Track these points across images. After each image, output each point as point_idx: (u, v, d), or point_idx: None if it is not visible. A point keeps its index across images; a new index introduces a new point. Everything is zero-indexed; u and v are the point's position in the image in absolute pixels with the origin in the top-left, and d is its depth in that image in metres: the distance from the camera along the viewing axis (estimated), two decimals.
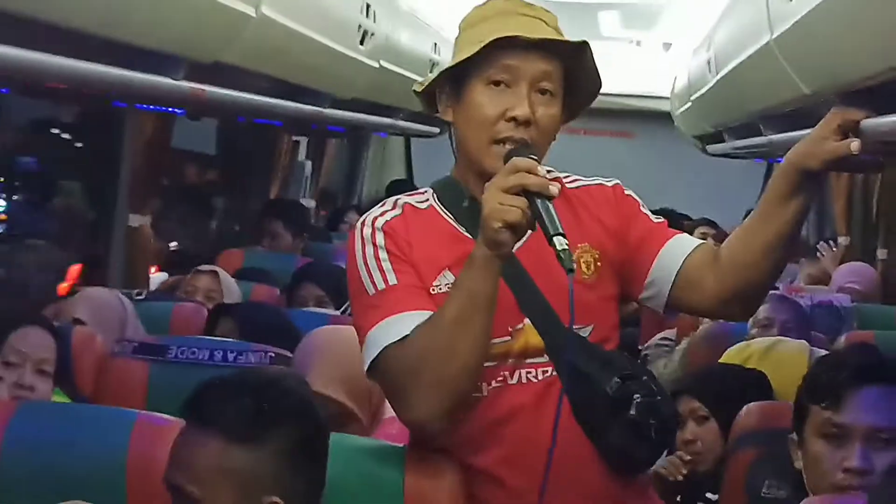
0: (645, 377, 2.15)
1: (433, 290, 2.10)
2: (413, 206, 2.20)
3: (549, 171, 2.24)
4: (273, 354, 3.14)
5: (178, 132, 5.20)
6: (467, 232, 2.14)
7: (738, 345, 3.47)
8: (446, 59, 7.45)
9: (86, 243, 4.79)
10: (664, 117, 8.85)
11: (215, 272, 4.40)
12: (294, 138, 7.20)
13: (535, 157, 2.00)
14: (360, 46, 4.86)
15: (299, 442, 1.90)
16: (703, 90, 5.76)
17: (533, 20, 2.13)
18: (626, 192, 2.28)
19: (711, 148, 7.53)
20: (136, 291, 4.06)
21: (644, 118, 9.85)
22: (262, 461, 1.86)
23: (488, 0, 2.20)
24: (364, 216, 2.19)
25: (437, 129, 8.54)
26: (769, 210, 2.12)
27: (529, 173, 1.93)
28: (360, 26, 4.76)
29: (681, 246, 2.21)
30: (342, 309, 4.36)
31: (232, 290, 4.37)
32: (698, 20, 6.30)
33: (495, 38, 2.06)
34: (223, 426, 1.85)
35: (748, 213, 7.66)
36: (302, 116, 4.73)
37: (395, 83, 5.77)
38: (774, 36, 3.11)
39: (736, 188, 9.55)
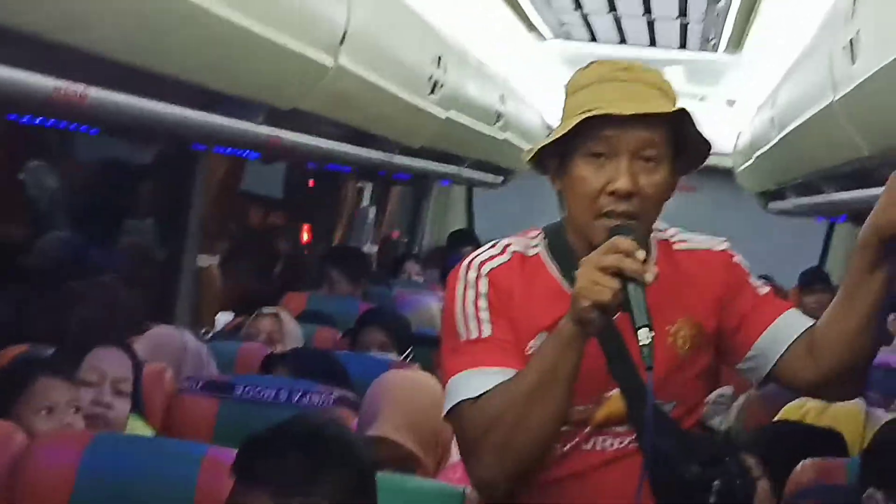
0: (728, 458, 2.10)
1: (528, 349, 2.04)
2: (522, 254, 2.14)
3: (661, 230, 2.19)
4: (336, 395, 3.20)
5: (247, 176, 5.30)
6: (571, 289, 2.03)
7: (794, 402, 3.47)
8: (511, 109, 7.54)
9: (156, 282, 4.88)
10: (726, 173, 8.87)
11: (277, 314, 4.47)
12: (359, 185, 7.30)
13: (637, 237, 1.95)
14: (431, 96, 4.94)
15: (347, 488, 1.90)
16: (766, 147, 5.78)
17: (632, 85, 2.06)
18: (735, 260, 2.20)
19: (773, 205, 7.53)
20: (203, 330, 4.14)
21: (707, 173, 9.82)
22: None
23: (590, 64, 2.14)
24: (471, 257, 2.14)
25: (500, 178, 8.61)
26: (855, 288, 2.07)
27: (627, 256, 1.89)
28: (430, 77, 4.84)
29: (790, 325, 2.15)
30: (405, 355, 4.42)
31: (293, 333, 4.42)
32: (762, 78, 6.34)
33: (589, 115, 2.00)
34: (270, 483, 1.85)
35: (806, 271, 7.57)
36: (372, 163, 4.81)
37: (461, 132, 5.85)
38: (837, 97, 3.15)
39: (796, 246, 9.53)
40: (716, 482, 2.05)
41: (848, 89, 2.95)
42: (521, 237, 2.18)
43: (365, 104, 4.15)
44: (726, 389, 4.69)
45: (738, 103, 8.47)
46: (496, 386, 1.99)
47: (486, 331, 2.05)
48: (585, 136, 2.03)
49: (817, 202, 5.04)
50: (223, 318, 5.20)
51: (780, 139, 4.98)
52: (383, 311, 4.75)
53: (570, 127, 2.03)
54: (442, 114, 5.27)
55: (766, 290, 2.21)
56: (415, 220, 9.46)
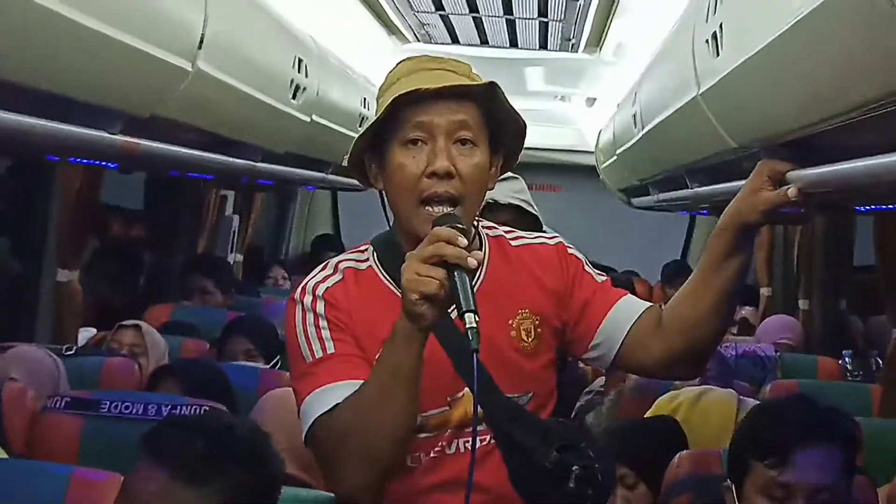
0: (583, 444, 2.12)
1: (376, 361, 2.04)
2: (354, 269, 2.16)
3: (490, 228, 2.25)
4: (207, 408, 3.12)
5: (107, 186, 5.17)
6: None
7: (666, 395, 3.52)
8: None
9: (11, 298, 4.72)
10: (590, 171, 8.97)
11: (139, 327, 4.37)
12: (222, 192, 7.18)
13: (461, 226, 1.96)
14: (293, 101, 4.88)
15: (245, 489, 1.90)
16: (629, 144, 5.85)
17: (440, 73, 2.09)
18: (570, 252, 2.25)
19: (637, 201, 7.64)
20: (65, 347, 4.01)
21: (571, 172, 9.96)
22: (205, 501, 1.87)
23: (401, 61, 2.18)
24: (305, 282, 2.15)
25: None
26: (711, 271, 2.12)
27: (449, 243, 1.89)
28: (292, 81, 4.78)
29: (627, 310, 2.20)
30: (272, 363, 4.37)
31: (157, 345, 4.34)
32: (623, 76, 6.42)
33: (393, 97, 2.03)
34: (170, 462, 1.87)
35: (668, 264, 7.81)
36: (235, 170, 4.73)
37: (325, 137, 5.80)
38: (702, 90, 3.18)
39: (659, 240, 9.69)
40: (574, 467, 2.07)
41: (713, 82, 2.99)
42: (352, 253, 2.20)
43: (226, 110, 4.07)
44: (599, 382, 4.74)
45: (599, 101, 8.57)
46: (347, 398, 1.99)
47: (330, 348, 2.06)
48: (399, 125, 2.06)
49: (681, 196, 5.11)
50: (85, 334, 5.05)
51: (643, 135, 5.04)
52: (249, 320, 4.71)
53: (381, 113, 2.05)
54: (305, 118, 5.22)
55: (603, 278, 2.26)
56: (280, 227, 9.38)
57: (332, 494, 2.36)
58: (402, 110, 2.05)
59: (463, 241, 1.91)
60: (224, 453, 1.90)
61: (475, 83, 2.09)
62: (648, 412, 3.52)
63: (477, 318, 1.86)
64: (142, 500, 1.88)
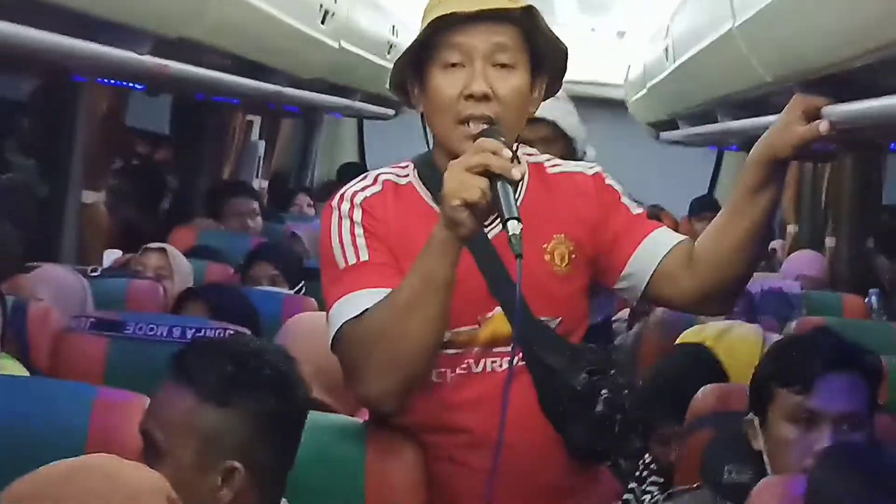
0: (613, 370, 2.14)
1: (410, 269, 2.04)
2: (393, 182, 2.17)
3: (529, 155, 2.24)
4: (232, 332, 3.12)
5: (132, 110, 5.16)
6: None
7: (691, 328, 3.50)
8: (404, 41, 7.44)
9: (39, 219, 4.73)
10: (619, 105, 8.90)
11: (164, 250, 4.37)
12: (248, 118, 7.16)
13: (504, 140, 1.97)
14: (322, 26, 4.84)
15: (270, 413, 1.91)
16: (659, 78, 5.79)
17: None
18: (607, 182, 2.25)
19: (664, 135, 7.58)
20: (91, 268, 4.02)
21: (599, 105, 9.88)
22: (230, 424, 1.88)
23: None
24: (343, 189, 2.17)
25: (391, 112, 8.54)
26: (741, 205, 2.11)
27: (494, 154, 1.91)
28: (321, 6, 4.74)
29: (659, 242, 2.20)
30: (296, 289, 4.37)
31: (182, 268, 4.34)
32: (653, 9, 6.34)
33: (433, 18, 2.05)
34: (197, 384, 1.88)
35: (696, 199, 7.76)
36: (262, 95, 4.70)
37: (354, 64, 5.77)
38: (737, 23, 3.13)
39: (686, 175, 9.63)
40: (603, 391, 2.10)
41: (748, 15, 2.94)
42: (393, 168, 2.21)
43: (254, 33, 4.04)
44: (623, 313, 4.74)
45: (628, 35, 8.49)
46: (376, 303, 2.00)
47: (364, 255, 2.08)
48: (438, 47, 2.07)
49: (709, 131, 5.06)
50: (111, 256, 5.07)
51: (675, 69, 4.98)
52: (273, 246, 4.72)
53: (420, 36, 2.06)
54: (333, 44, 5.18)
55: (638, 210, 2.26)
56: (305, 154, 9.35)
57: (358, 419, 2.37)
58: (440, 33, 2.06)
59: (507, 151, 1.93)
60: (251, 376, 1.91)
61: (512, 6, 2.08)
62: (673, 346, 3.51)
63: (520, 225, 1.87)
64: (168, 421, 1.89)
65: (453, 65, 2.07)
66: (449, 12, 2.04)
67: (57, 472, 1.56)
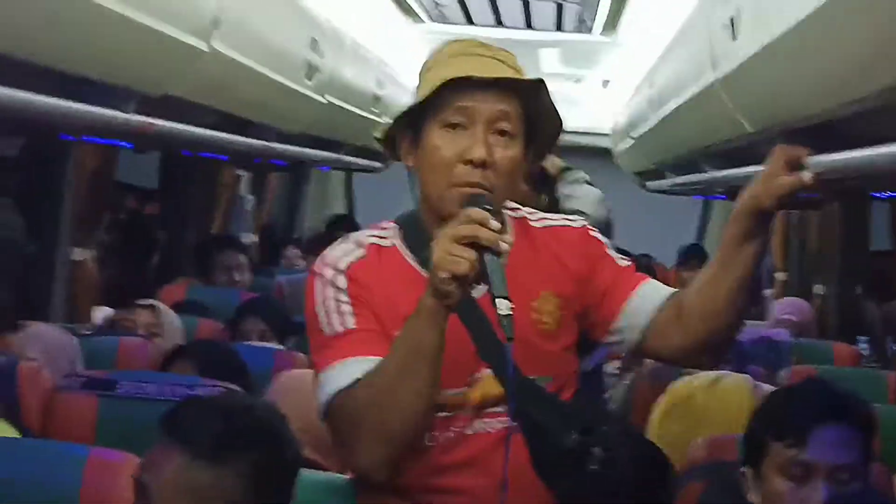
0: (605, 427, 2.12)
1: (398, 338, 2.02)
2: (377, 245, 2.15)
3: (514, 209, 2.23)
4: (223, 389, 3.12)
5: (121, 165, 5.17)
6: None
7: (682, 379, 3.50)
8: (389, 93, 7.49)
9: (26, 277, 4.72)
10: (605, 154, 8.94)
11: (154, 306, 4.37)
12: (237, 172, 7.19)
13: (492, 208, 1.96)
14: (307, 81, 4.88)
15: (264, 468, 1.90)
16: (644, 127, 5.83)
17: (489, 60, 2.09)
18: (592, 234, 2.24)
19: (651, 184, 7.62)
20: (84, 327, 4.01)
21: (585, 154, 9.93)
22: (222, 482, 1.87)
23: (447, 42, 2.17)
24: (325, 254, 2.15)
25: (379, 164, 8.57)
26: (728, 256, 2.10)
27: (482, 226, 1.89)
28: (307, 61, 4.77)
29: (649, 296, 2.19)
30: (287, 344, 4.37)
31: (173, 325, 4.33)
32: (639, 59, 6.39)
33: (447, 79, 2.03)
34: (188, 443, 1.87)
35: (683, 248, 7.73)
36: (250, 150, 4.72)
37: (339, 117, 5.80)
38: (719, 75, 3.16)
39: (674, 224, 9.67)
40: (596, 448, 2.07)
41: (730, 68, 2.97)
42: (375, 229, 2.19)
43: (240, 89, 4.07)
44: (616, 363, 4.74)
45: (613, 84, 8.55)
46: (366, 373, 1.99)
47: (350, 323, 2.06)
48: (441, 106, 2.06)
49: (696, 181, 5.09)
50: (100, 314, 5.06)
51: (660, 119, 5.02)
52: (262, 301, 4.70)
53: (429, 92, 2.05)
54: (319, 98, 5.21)
55: (626, 262, 2.25)
56: (294, 207, 9.37)
57: (347, 476, 2.36)
58: (446, 92, 2.05)
59: (496, 223, 1.92)
60: (242, 434, 1.90)
61: (527, 78, 2.09)
62: (662, 397, 3.51)
63: (511, 306, 1.87)
64: (161, 479, 1.88)
65: (454, 126, 2.06)
66: (464, 74, 2.04)
67: None
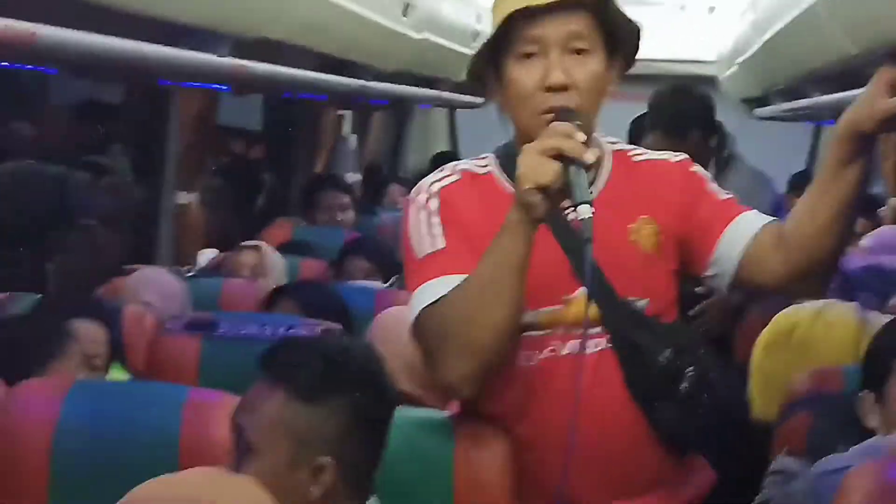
0: (700, 349, 2.12)
1: (485, 252, 2.03)
2: (472, 172, 2.18)
3: (613, 142, 2.23)
4: (321, 329, 3.14)
5: (224, 108, 5.22)
6: None
7: (787, 309, 3.44)
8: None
9: (136, 222, 4.81)
10: (710, 81, 8.76)
11: (258, 248, 4.41)
12: (339, 113, 7.21)
13: (579, 123, 1.97)
14: (403, 18, 4.84)
15: (361, 409, 1.93)
16: (749, 53, 5.70)
17: None
18: (692, 169, 2.23)
19: (759, 111, 7.46)
20: (186, 268, 4.08)
21: (692, 82, 9.77)
22: (321, 421, 1.90)
23: None
24: (421, 182, 2.18)
25: (481, 100, 8.53)
26: (828, 180, 2.06)
27: (567, 137, 1.91)
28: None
29: (747, 225, 2.16)
30: (389, 282, 4.38)
31: (276, 266, 4.37)
32: None
33: (504, 15, 2.04)
34: (288, 382, 1.91)
35: (795, 174, 7.58)
36: (346, 90, 4.72)
37: (437, 54, 5.76)
38: None
39: (784, 151, 9.45)
40: (689, 368, 2.08)
41: None
42: (473, 160, 2.21)
43: (335, 30, 4.06)
44: None
45: (719, 10, 8.37)
46: (453, 289, 2.01)
47: (440, 244, 2.08)
48: (513, 39, 2.06)
49: (803, 106, 4.97)
50: (206, 256, 5.14)
51: (764, 43, 4.90)
52: (366, 240, 4.73)
53: (496, 30, 2.05)
54: (416, 36, 5.17)
55: (725, 195, 2.22)
56: (398, 146, 9.38)
57: (444, 413, 2.37)
58: (514, 25, 2.05)
59: (581, 135, 1.92)
60: (341, 374, 1.93)
61: None
62: (767, 328, 3.45)
63: (592, 210, 1.87)
64: (260, 419, 1.91)
65: (529, 56, 2.06)
66: (523, 6, 2.03)
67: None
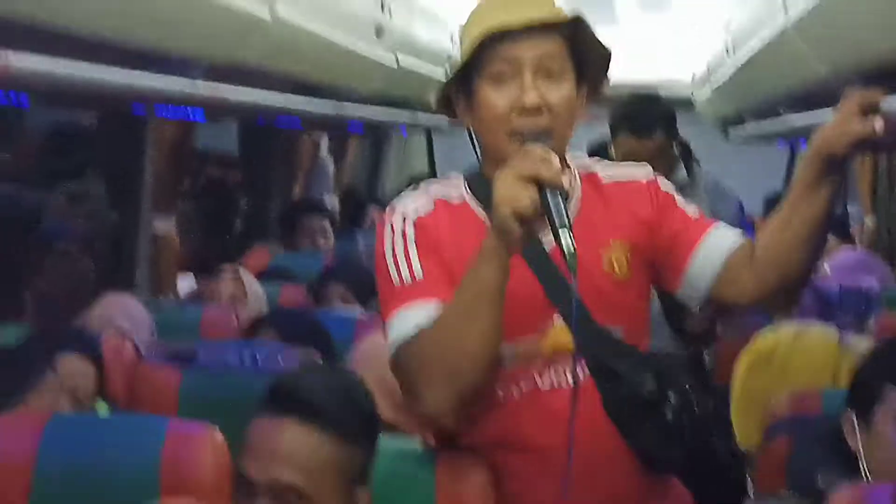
0: (681, 376, 2.12)
1: (462, 281, 2.02)
2: (446, 200, 2.16)
3: (581, 165, 2.22)
4: (302, 357, 3.13)
5: (200, 133, 5.20)
6: None
7: (765, 330, 3.45)
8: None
9: (110, 248, 4.77)
10: (686, 104, 8.80)
11: (238, 275, 4.38)
12: (315, 137, 7.20)
13: (553, 148, 1.95)
14: (377, 42, 4.84)
15: (356, 429, 1.96)
16: (723, 75, 5.73)
17: (523, 4, 2.07)
18: (661, 186, 2.23)
19: (733, 131, 7.50)
20: (168, 298, 4.05)
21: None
22: (359, 455, 1.95)
23: None
24: (395, 203, 2.16)
25: (454, 120, 8.53)
26: (799, 200, 2.08)
27: (543, 161, 1.89)
28: (375, 22, 4.74)
29: (718, 242, 2.17)
30: (368, 307, 4.37)
31: (256, 292, 4.36)
32: (715, 4, 6.27)
33: (480, 38, 2.03)
34: (299, 410, 1.91)
35: (770, 197, 7.58)
36: (321, 114, 4.71)
37: (412, 77, 5.76)
38: (791, 19, 3.08)
39: (756, 174, 9.48)
40: (671, 396, 2.08)
41: (802, 9, 2.89)
42: (444, 184, 2.20)
43: (308, 54, 4.04)
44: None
45: (691, 31, 8.41)
46: (431, 318, 2.00)
47: (419, 273, 2.06)
48: (486, 60, 2.05)
49: (777, 126, 5.00)
50: (185, 282, 5.12)
51: (737, 65, 4.92)
52: (344, 265, 4.71)
53: (470, 50, 2.04)
54: (390, 59, 5.17)
55: (694, 211, 2.23)
56: (375, 167, 9.37)
57: (426, 441, 2.36)
58: (487, 45, 2.05)
59: (556, 160, 1.91)
60: (360, 404, 1.97)
61: (560, 17, 2.07)
62: (746, 348, 3.46)
63: (572, 237, 1.87)
64: (299, 460, 1.90)
65: (501, 76, 2.06)
66: (497, 26, 2.02)
67: None
